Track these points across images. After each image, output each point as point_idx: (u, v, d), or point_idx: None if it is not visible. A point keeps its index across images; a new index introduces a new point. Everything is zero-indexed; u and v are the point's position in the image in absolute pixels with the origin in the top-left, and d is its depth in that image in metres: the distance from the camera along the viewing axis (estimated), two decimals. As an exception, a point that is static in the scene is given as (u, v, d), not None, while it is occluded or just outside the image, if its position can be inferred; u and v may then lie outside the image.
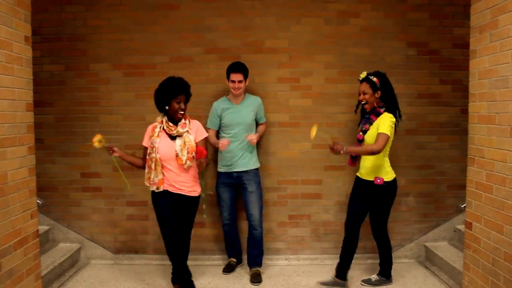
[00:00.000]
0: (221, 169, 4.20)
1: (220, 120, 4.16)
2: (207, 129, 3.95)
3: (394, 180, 3.72)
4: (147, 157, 3.54)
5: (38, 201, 3.14)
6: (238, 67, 4.04)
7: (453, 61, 4.49)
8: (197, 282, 3.99)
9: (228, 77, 4.06)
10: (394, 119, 3.61)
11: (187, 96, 3.56)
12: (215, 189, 4.29)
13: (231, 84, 4.05)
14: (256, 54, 4.46)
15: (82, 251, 4.67)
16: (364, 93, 3.66)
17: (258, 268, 4.20)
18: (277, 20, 4.47)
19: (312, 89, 4.53)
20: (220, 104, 4.17)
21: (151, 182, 3.52)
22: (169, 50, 4.47)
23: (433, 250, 4.46)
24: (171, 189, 3.53)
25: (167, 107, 3.48)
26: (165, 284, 4.03)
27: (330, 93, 4.52)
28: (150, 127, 3.62)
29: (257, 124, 4.31)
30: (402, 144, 4.55)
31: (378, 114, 3.66)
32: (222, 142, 3.89)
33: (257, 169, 4.22)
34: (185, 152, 3.46)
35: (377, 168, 3.67)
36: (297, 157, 4.53)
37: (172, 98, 3.45)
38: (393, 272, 4.19)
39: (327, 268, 4.36)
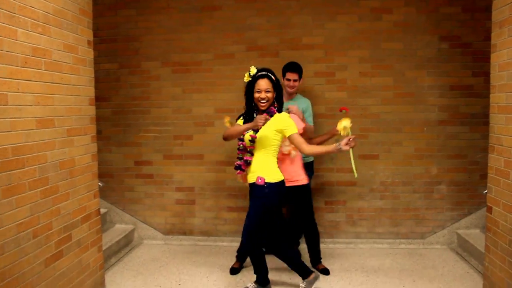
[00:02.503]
0: None
1: None
2: None
3: (278, 184, 3.40)
4: None
5: (99, 183, 3.59)
6: (294, 67, 4.20)
7: (486, 53, 4.48)
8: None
9: (284, 75, 4.21)
10: None
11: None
12: None
13: (286, 82, 4.20)
14: (294, 51, 4.76)
15: (136, 232, 5.15)
16: (268, 91, 3.38)
17: None
18: (313, 18, 4.75)
19: (347, 82, 4.79)
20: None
21: None
22: (213, 48, 4.85)
23: (464, 237, 4.61)
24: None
25: None
26: (210, 262, 4.42)
27: (364, 86, 4.76)
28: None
29: None
30: (434, 135, 4.72)
31: (272, 114, 3.41)
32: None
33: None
34: (287, 143, 3.68)
35: (263, 168, 3.40)
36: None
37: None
38: (424, 257, 4.42)
39: (361, 252, 4.64)
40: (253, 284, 3.64)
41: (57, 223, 2.94)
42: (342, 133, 3.24)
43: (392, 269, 4.17)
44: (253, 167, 3.43)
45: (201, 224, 5.08)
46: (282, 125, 3.34)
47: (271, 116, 3.38)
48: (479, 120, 4.67)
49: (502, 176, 3.04)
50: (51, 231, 2.86)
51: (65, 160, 3.04)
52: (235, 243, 4.91)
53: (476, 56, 4.63)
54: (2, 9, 2.38)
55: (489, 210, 3.21)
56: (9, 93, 2.45)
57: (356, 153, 4.72)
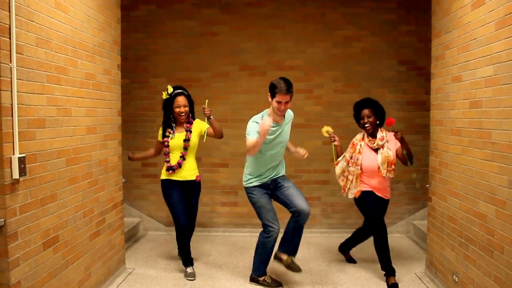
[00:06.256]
0: (255, 183, 4.09)
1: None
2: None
3: None
4: (349, 169, 4.23)
5: (123, 179, 4.43)
6: (288, 88, 3.68)
7: (436, 75, 5.61)
8: (235, 251, 5.26)
9: (273, 95, 3.73)
10: None
11: (374, 110, 4.19)
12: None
13: (276, 105, 3.72)
14: (279, 71, 5.65)
15: (141, 224, 5.98)
16: (185, 106, 4.22)
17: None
18: (295, 44, 5.70)
19: (323, 98, 5.74)
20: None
21: (345, 191, 4.29)
22: (211, 67, 5.76)
23: (419, 226, 5.59)
24: (378, 193, 4.22)
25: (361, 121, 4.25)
26: (207, 248, 5.28)
27: (337, 101, 5.72)
28: (351, 143, 4.36)
29: None
30: (394, 142, 5.68)
31: (191, 123, 4.30)
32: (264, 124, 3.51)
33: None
34: (385, 166, 4.09)
35: (195, 168, 4.41)
36: (310, 151, 5.56)
37: (359, 112, 4.26)
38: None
39: (333, 239, 5.55)
40: (191, 268, 4.40)
41: (96, 208, 3.77)
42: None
43: (358, 252, 5.09)
44: (189, 166, 4.30)
45: (198, 217, 5.85)
46: (201, 127, 4.34)
47: (191, 124, 4.28)
48: (431, 130, 5.66)
49: (437, 173, 4.00)
50: (93, 214, 3.69)
51: (102, 159, 3.88)
52: (228, 233, 5.85)
53: (428, 78, 5.47)
54: (69, 45, 3.22)
55: (430, 199, 4.18)
56: (72, 107, 3.29)
57: (329, 156, 5.68)
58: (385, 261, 4.10)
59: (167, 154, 4.31)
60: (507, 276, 2.81)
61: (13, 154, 2.58)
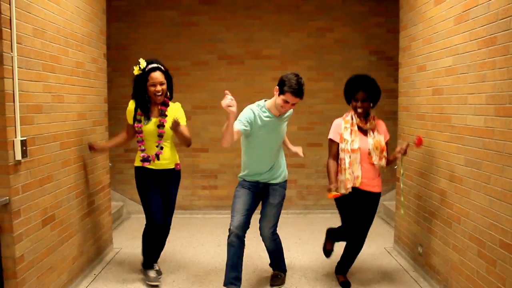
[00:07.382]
0: (246, 177, 3.67)
1: (253, 130, 3.44)
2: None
3: None
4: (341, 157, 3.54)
5: (109, 163, 4.63)
6: (300, 91, 3.29)
7: (404, 65, 5.96)
8: (216, 230, 5.54)
9: (282, 92, 3.31)
10: None
11: (371, 94, 3.57)
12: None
13: (281, 103, 3.32)
14: (256, 60, 5.95)
15: (125, 208, 6.19)
16: (162, 84, 3.50)
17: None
18: (271, 34, 5.97)
19: (298, 86, 6.02)
20: (260, 114, 3.45)
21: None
22: (190, 56, 5.97)
23: (388, 207, 5.98)
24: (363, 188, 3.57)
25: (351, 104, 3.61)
26: (187, 229, 5.54)
27: (311, 89, 5.97)
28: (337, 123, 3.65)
29: None
30: (365, 127, 6.04)
31: (167, 105, 3.56)
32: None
33: (285, 181, 3.83)
34: (377, 152, 3.51)
35: (174, 155, 3.77)
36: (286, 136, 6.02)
37: (355, 92, 3.56)
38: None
39: (308, 220, 5.90)
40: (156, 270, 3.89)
41: (87, 190, 3.97)
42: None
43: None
44: (166, 155, 3.65)
45: (179, 200, 6.04)
46: (175, 113, 3.58)
47: (167, 107, 3.57)
48: (399, 116, 6.03)
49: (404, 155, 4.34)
50: (84, 195, 3.90)
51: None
52: (208, 215, 6.11)
53: (397, 67, 5.88)
54: (61, 35, 3.40)
55: (398, 179, 4.53)
56: (64, 94, 3.48)
57: (304, 141, 5.99)
58: (346, 264, 3.89)
59: (141, 142, 3.62)
60: (462, 243, 3.18)
61: (16, 137, 2.78)
